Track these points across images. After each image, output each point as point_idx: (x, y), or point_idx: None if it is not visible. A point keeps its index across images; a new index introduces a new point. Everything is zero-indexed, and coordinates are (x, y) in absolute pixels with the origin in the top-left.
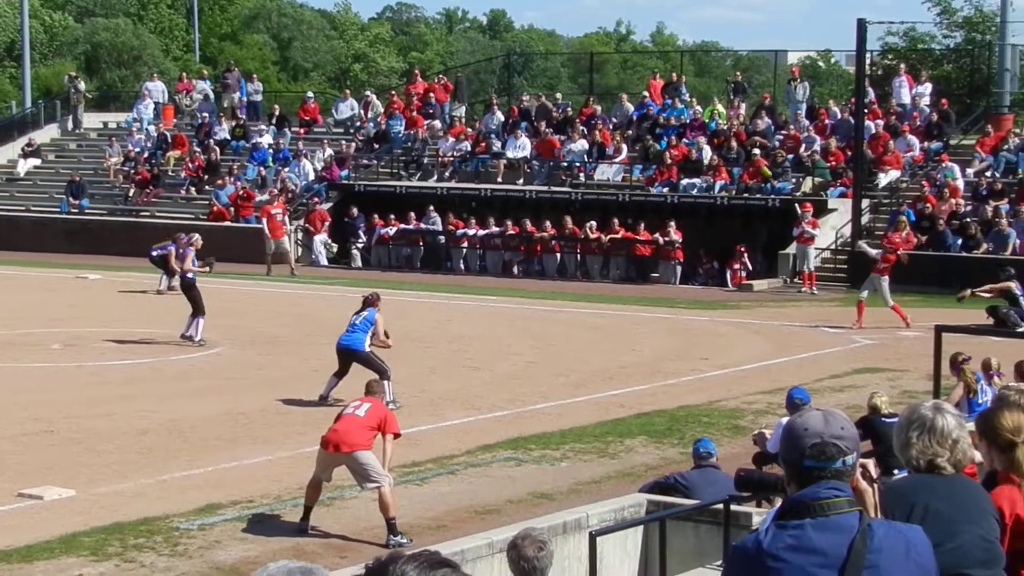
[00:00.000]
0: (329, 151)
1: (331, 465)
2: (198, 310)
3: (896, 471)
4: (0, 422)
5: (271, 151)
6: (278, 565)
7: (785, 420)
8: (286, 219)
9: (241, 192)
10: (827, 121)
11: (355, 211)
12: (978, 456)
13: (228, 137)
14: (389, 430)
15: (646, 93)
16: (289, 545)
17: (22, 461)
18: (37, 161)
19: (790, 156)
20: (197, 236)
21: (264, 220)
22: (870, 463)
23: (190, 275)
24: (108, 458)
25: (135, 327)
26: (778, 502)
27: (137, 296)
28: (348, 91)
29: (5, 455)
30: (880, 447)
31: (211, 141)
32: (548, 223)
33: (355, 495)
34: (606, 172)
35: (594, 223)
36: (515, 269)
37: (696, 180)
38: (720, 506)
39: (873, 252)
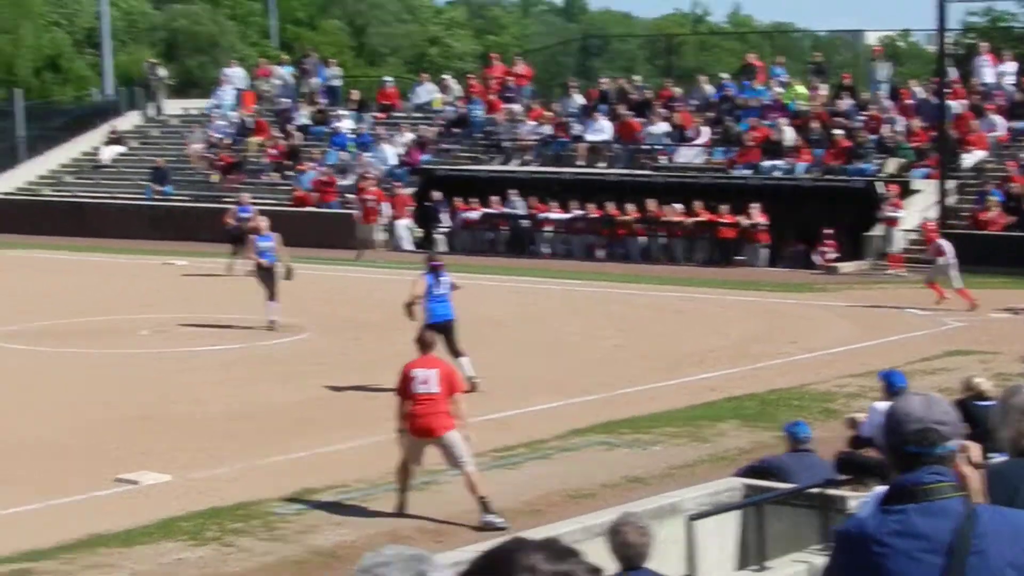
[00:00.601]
0: (409, 136)
1: (420, 449)
2: (270, 295)
3: (992, 455)
4: (94, 408)
5: (351, 136)
6: (393, 551)
7: (879, 404)
8: (381, 205)
9: (323, 177)
10: (909, 101)
11: (437, 195)
12: None
13: (308, 122)
14: (457, 389)
15: (725, 74)
16: (386, 529)
17: (118, 447)
18: (121, 148)
19: (873, 137)
20: (263, 219)
21: (359, 205)
22: (974, 447)
23: (262, 257)
24: (202, 443)
25: (222, 312)
26: (874, 486)
27: (223, 281)
28: (426, 75)
29: (101, 441)
30: (977, 431)
31: (291, 127)
32: (631, 206)
33: (449, 479)
34: (687, 154)
35: (677, 206)
36: (599, 253)
37: (778, 162)
38: (817, 490)
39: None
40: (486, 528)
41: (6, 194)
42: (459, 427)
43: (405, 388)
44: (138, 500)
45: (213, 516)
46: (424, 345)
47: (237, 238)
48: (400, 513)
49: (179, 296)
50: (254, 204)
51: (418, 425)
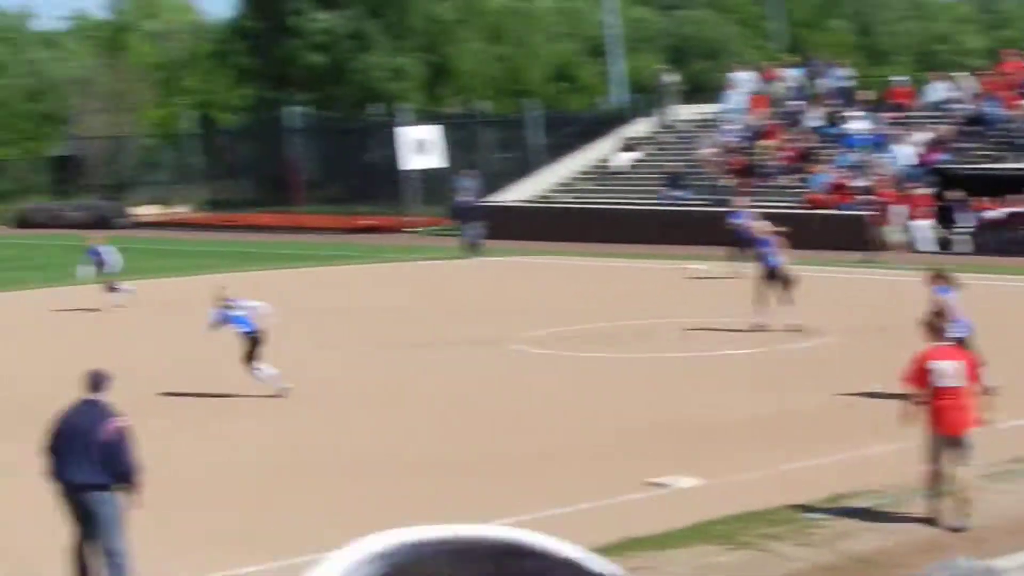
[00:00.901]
0: (924, 135)
1: (944, 448)
2: (782, 298)
3: None
4: (616, 412)
5: (864, 137)
6: (962, 564)
7: None
8: (895, 207)
9: (837, 179)
10: None
11: (955, 195)
12: None
13: (820, 124)
14: (976, 380)
15: None
16: (923, 537)
17: (648, 450)
18: (636, 154)
19: None
20: (763, 222)
21: (873, 207)
22: None
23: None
24: (726, 447)
25: (735, 316)
26: None
27: (734, 284)
28: (938, 73)
29: (627, 445)
30: None
31: (803, 129)
32: None
33: (985, 486)
34: None
35: None
36: None
37: None
38: None
39: None
40: (956, 530)
41: (523, 202)
42: (980, 423)
43: (923, 381)
44: (670, 503)
45: (746, 520)
46: (934, 332)
47: (740, 242)
48: (935, 520)
49: (692, 300)
50: (761, 207)
51: (942, 422)
